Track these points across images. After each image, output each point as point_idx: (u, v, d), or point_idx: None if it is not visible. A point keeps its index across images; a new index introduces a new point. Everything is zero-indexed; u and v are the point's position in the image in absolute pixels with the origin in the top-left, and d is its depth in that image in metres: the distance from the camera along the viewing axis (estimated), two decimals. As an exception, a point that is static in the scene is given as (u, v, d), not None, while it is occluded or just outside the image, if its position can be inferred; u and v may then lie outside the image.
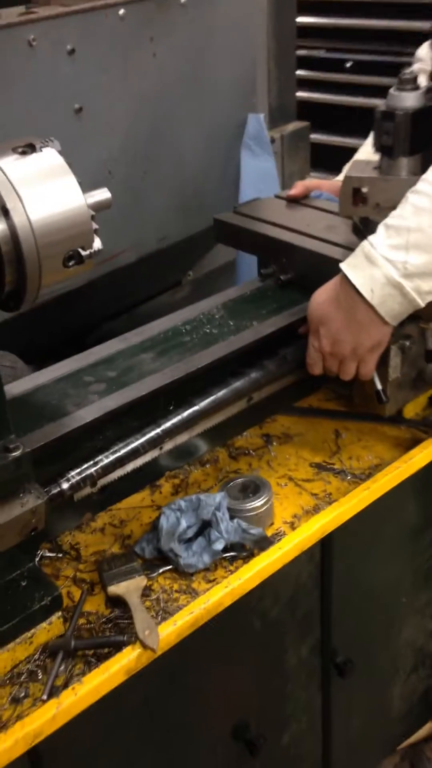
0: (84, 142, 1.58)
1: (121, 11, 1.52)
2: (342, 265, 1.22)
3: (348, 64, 3.62)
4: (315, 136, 2.87)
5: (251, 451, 1.47)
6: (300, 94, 3.58)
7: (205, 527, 1.25)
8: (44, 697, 1.03)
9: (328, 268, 1.29)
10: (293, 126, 2.45)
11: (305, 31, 3.99)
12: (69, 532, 1.31)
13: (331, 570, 1.42)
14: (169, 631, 1.11)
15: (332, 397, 1.58)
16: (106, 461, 1.14)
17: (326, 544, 1.38)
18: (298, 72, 3.84)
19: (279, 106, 2.39)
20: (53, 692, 1.04)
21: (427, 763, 2.04)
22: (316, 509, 1.33)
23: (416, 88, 1.28)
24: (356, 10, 3.79)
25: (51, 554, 1.27)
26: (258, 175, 1.85)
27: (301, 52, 3.91)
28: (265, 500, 1.28)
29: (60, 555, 1.27)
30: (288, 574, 1.33)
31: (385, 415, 1.41)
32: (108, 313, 1.89)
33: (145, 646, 1.07)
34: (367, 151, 1.50)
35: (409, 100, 1.27)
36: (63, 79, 1.48)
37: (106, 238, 1.60)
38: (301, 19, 3.99)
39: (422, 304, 1.20)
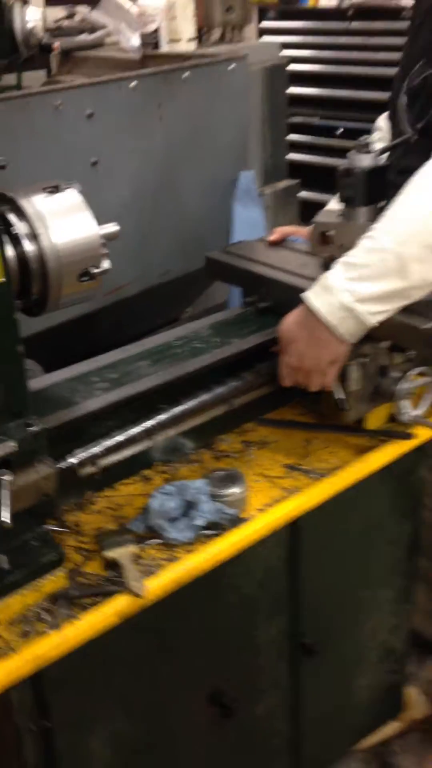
0: (99, 190, 1.86)
1: (133, 83, 1.82)
2: (305, 294, 1.48)
3: (339, 131, 3.99)
4: (308, 194, 3.19)
5: (232, 454, 1.70)
6: (296, 156, 3.94)
7: (189, 508, 1.48)
8: (48, 631, 1.26)
9: (300, 297, 1.56)
10: (284, 183, 2.76)
11: (303, 100, 4.39)
12: (73, 513, 1.54)
13: (299, 557, 1.64)
14: (155, 585, 1.33)
15: (305, 411, 1.81)
16: (107, 444, 1.38)
17: (295, 533, 1.60)
18: (295, 136, 4.20)
19: (271, 166, 2.69)
20: (56, 627, 1.26)
21: (397, 757, 2.21)
22: (284, 499, 1.56)
23: (370, 151, 1.56)
24: (349, 84, 4.18)
25: (56, 528, 1.50)
26: (247, 222, 2.13)
27: (298, 119, 4.31)
28: (240, 489, 1.51)
29: (65, 530, 1.50)
30: (259, 555, 1.56)
31: (348, 422, 1.65)
32: (114, 341, 2.15)
33: (132, 593, 1.30)
34: (335, 202, 1.78)
35: (365, 161, 1.55)
36: (82, 137, 1.77)
37: (115, 271, 1.89)
38: (300, 90, 4.39)
39: (369, 325, 1.45)
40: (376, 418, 1.72)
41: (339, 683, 1.92)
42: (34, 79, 2.40)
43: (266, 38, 4.43)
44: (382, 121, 1.99)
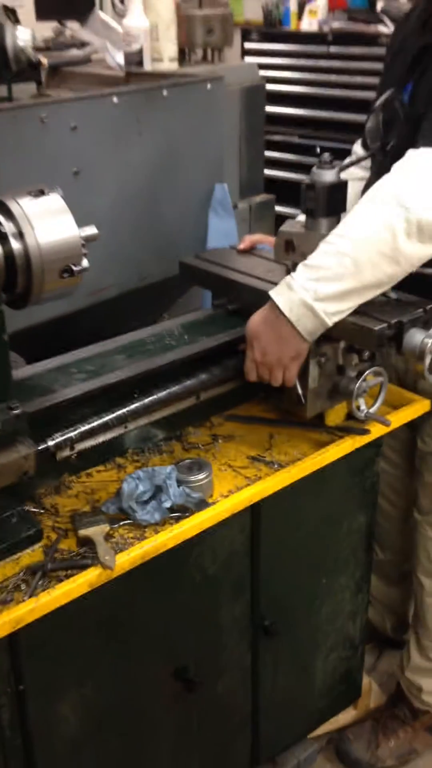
0: (80, 198, 1.97)
1: (115, 99, 1.95)
2: (270, 292, 1.61)
3: (317, 150, 4.15)
4: (285, 209, 3.33)
5: (201, 446, 1.82)
6: (276, 172, 4.10)
7: (157, 492, 1.60)
8: (25, 598, 1.37)
9: (265, 300, 1.69)
10: (260, 198, 2.89)
11: (284, 120, 4.56)
12: (50, 496, 1.65)
13: (260, 542, 1.76)
14: (123, 560, 1.44)
15: (271, 408, 1.94)
16: (82, 429, 1.50)
17: (256, 519, 1.72)
18: (275, 154, 4.37)
19: (248, 180, 2.83)
20: (33, 595, 1.37)
21: (350, 744, 2.33)
22: (246, 486, 1.68)
23: (333, 167, 1.70)
24: (328, 105, 4.35)
25: (35, 510, 1.61)
26: (221, 232, 2.26)
27: (278, 137, 4.47)
28: (206, 475, 1.63)
29: (42, 511, 1.61)
30: (223, 538, 1.68)
31: (306, 416, 1.77)
32: (93, 341, 2.27)
33: (104, 566, 1.42)
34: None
35: (326, 176, 1.69)
36: (66, 148, 1.89)
37: (95, 274, 2.01)
38: (281, 110, 4.56)
39: (330, 323, 1.58)
40: (335, 415, 1.85)
41: (296, 665, 2.03)
42: (24, 91, 2.53)
43: (249, 59, 4.59)
44: (358, 147, 2.15)
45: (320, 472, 1.75)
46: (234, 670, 1.85)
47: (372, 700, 2.40)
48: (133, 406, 1.56)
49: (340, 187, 1.70)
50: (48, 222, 1.34)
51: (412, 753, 2.34)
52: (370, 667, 2.53)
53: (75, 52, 2.91)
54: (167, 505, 1.57)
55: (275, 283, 1.76)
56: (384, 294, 1.66)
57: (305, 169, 4.34)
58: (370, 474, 1.94)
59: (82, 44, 2.98)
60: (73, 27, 3.63)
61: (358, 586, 2.08)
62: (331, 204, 1.69)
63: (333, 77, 4.42)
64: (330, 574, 1.99)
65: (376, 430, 1.82)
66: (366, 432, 1.80)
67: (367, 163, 2.04)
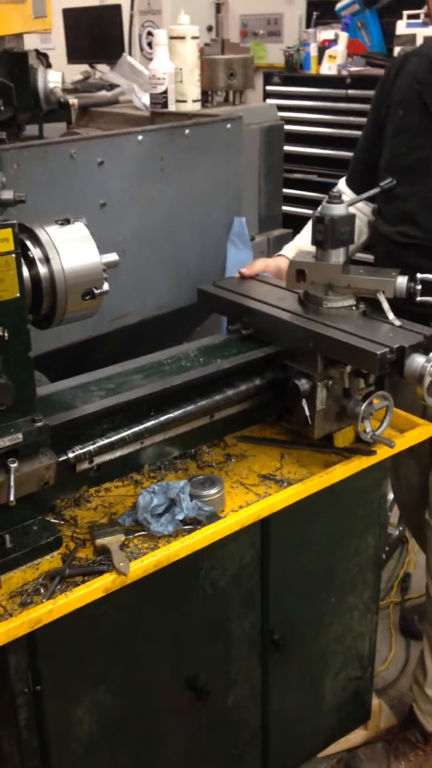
0: (105, 229, 2.10)
1: (140, 137, 2.08)
2: None
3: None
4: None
5: (214, 464, 1.90)
6: (295, 209, 4.23)
7: (171, 505, 1.68)
8: (44, 600, 1.45)
9: (278, 326, 1.81)
10: (278, 232, 3.01)
11: (303, 158, 4.70)
12: (70, 509, 1.74)
13: (269, 557, 1.83)
14: (137, 567, 1.52)
15: (282, 431, 2.02)
16: (101, 443, 1.59)
17: (265, 534, 1.80)
18: (295, 191, 4.50)
19: (267, 215, 2.95)
20: (51, 598, 1.45)
21: (361, 765, 2.36)
22: (256, 502, 1.76)
23: (341, 201, 1.80)
24: (346, 145, 4.49)
25: (55, 521, 1.70)
26: (239, 263, 2.36)
27: (298, 175, 4.61)
28: (217, 490, 1.71)
29: (62, 522, 1.70)
30: (233, 553, 1.75)
31: (315, 437, 1.85)
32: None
33: (118, 572, 1.50)
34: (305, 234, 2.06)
35: (335, 210, 1.79)
36: (93, 182, 2.02)
37: (117, 300, 2.13)
38: (301, 149, 4.70)
39: None
40: (344, 438, 1.93)
41: (306, 682, 2.08)
42: (55, 130, 2.68)
43: (270, 101, 4.75)
44: (342, 185, 2.29)
45: (328, 491, 1.82)
46: (243, 682, 1.91)
47: (382, 721, 2.44)
48: (149, 423, 1.65)
49: (349, 220, 1.80)
50: (72, 248, 1.45)
51: (422, 776, 2.37)
52: (381, 690, 2.56)
53: (103, 94, 3.07)
54: (180, 517, 1.65)
55: (286, 310, 1.86)
56: (388, 322, 1.75)
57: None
58: (377, 495, 2.01)
59: (111, 86, 3.13)
60: (102, 70, 3.82)
61: (367, 606, 2.13)
62: (340, 235, 1.79)
63: (351, 119, 4.56)
64: (338, 593, 2.05)
65: (383, 452, 1.89)
66: (372, 453, 1.87)
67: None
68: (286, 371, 1.83)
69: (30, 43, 2.69)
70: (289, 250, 2.20)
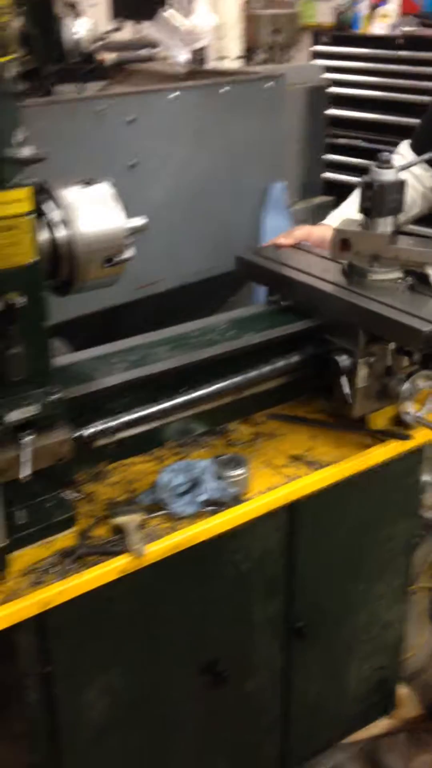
0: (135, 191, 1.98)
1: (173, 95, 1.97)
2: None
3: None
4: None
5: (242, 443, 1.81)
6: (339, 176, 4.08)
7: (194, 485, 1.60)
8: (55, 580, 1.39)
9: (319, 298, 1.72)
10: (319, 200, 2.88)
11: (350, 123, 4.53)
12: (90, 483, 1.67)
13: (296, 542, 1.74)
14: (154, 549, 1.45)
15: (314, 410, 1.92)
16: (121, 419, 1.51)
17: (293, 518, 1.71)
18: (340, 157, 4.35)
19: (307, 182, 2.82)
20: (63, 578, 1.39)
21: (383, 755, 2.29)
22: (284, 484, 1.67)
23: (391, 167, 1.68)
24: (395, 109, 4.31)
25: (74, 495, 1.63)
26: (275, 231, 2.24)
27: (342, 141, 4.44)
28: (243, 471, 1.62)
29: (80, 497, 1.63)
30: (258, 536, 1.67)
31: (354, 416, 1.75)
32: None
33: (134, 554, 1.42)
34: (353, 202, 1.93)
35: (384, 176, 1.67)
36: (123, 141, 1.92)
37: (149, 266, 2.02)
38: (348, 113, 4.53)
39: None
40: (380, 419, 1.83)
41: (329, 671, 2.01)
42: (90, 89, 2.58)
43: (318, 61, 4.56)
44: (405, 148, 2.13)
45: (360, 475, 1.73)
46: (264, 670, 1.84)
47: (408, 710, 2.36)
48: (171, 402, 1.57)
49: (398, 186, 1.68)
50: (94, 211, 1.36)
51: (447, 768, 2.29)
52: (408, 677, 2.48)
53: (146, 51, 2.95)
54: (202, 498, 1.57)
55: (330, 282, 1.76)
56: None
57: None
58: (412, 481, 1.91)
59: (154, 45, 3.00)
60: (145, 25, 3.68)
61: (396, 595, 2.04)
62: (389, 203, 1.68)
63: (402, 81, 4.36)
64: (367, 580, 1.96)
65: (420, 437, 1.79)
66: (408, 437, 1.77)
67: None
68: (327, 346, 1.73)
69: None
70: (334, 218, 2.07)
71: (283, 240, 1.97)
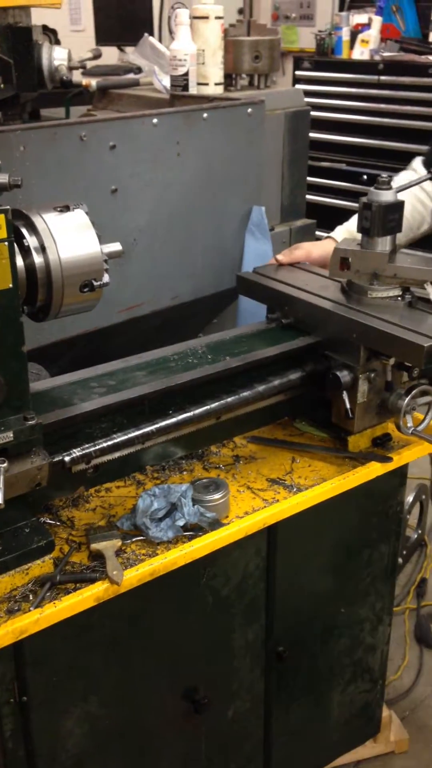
0: (116, 216, 2.01)
1: (155, 120, 1.98)
2: None
3: (364, 177, 4.15)
4: (325, 234, 3.32)
5: (222, 466, 1.81)
6: (321, 198, 4.11)
7: (172, 510, 1.59)
8: (32, 608, 1.37)
9: (319, 315, 1.75)
10: (301, 222, 2.89)
11: (332, 146, 4.57)
12: (68, 509, 1.66)
13: (275, 567, 1.74)
14: (132, 576, 1.44)
15: (294, 433, 1.93)
16: (99, 444, 1.50)
17: (272, 542, 1.71)
18: (322, 180, 4.38)
19: (290, 204, 2.83)
20: (39, 606, 1.38)
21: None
22: (263, 508, 1.67)
23: (390, 188, 1.71)
24: (376, 133, 4.36)
25: (51, 522, 1.62)
26: (257, 254, 2.26)
27: (325, 164, 4.48)
28: (222, 495, 1.62)
29: (58, 523, 1.62)
30: (237, 561, 1.66)
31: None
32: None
33: (111, 581, 1.41)
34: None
35: (383, 197, 1.70)
36: (104, 167, 1.92)
37: (129, 290, 2.02)
38: (330, 137, 4.57)
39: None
40: (361, 441, 1.83)
41: (312, 696, 1.99)
42: (74, 114, 2.60)
43: (299, 86, 4.62)
44: (418, 164, 2.17)
45: (340, 498, 1.73)
46: (245, 695, 1.83)
47: (393, 734, 2.34)
48: (150, 428, 1.56)
49: (397, 207, 1.71)
50: (71, 237, 1.36)
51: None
52: (392, 700, 2.47)
53: (130, 77, 2.96)
54: (181, 523, 1.56)
55: (329, 300, 1.78)
56: None
57: (351, 195, 4.38)
58: (393, 502, 1.91)
59: (139, 69, 3.03)
60: (129, 51, 3.71)
61: (379, 618, 2.04)
62: (388, 223, 1.71)
63: (382, 106, 4.42)
64: (349, 604, 1.95)
65: (400, 459, 1.79)
66: (389, 460, 1.77)
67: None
68: (328, 362, 1.77)
69: (60, 23, 2.62)
70: (340, 232, 2.10)
71: (282, 258, 2.00)
